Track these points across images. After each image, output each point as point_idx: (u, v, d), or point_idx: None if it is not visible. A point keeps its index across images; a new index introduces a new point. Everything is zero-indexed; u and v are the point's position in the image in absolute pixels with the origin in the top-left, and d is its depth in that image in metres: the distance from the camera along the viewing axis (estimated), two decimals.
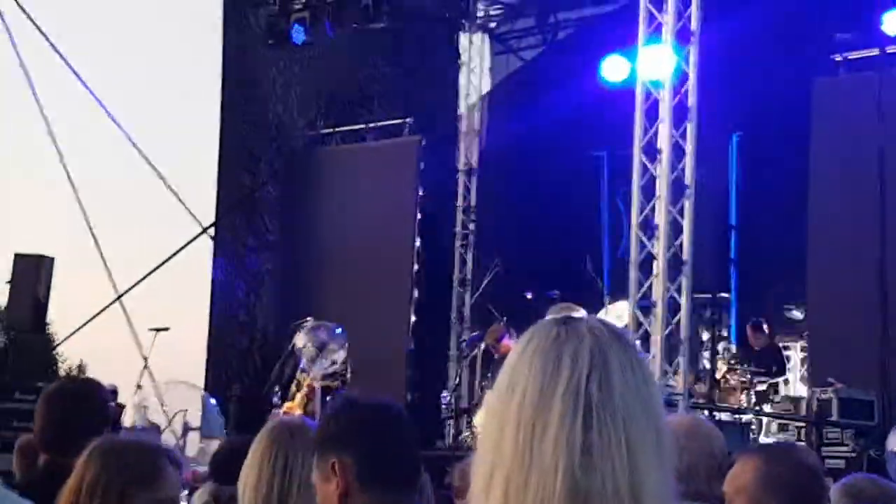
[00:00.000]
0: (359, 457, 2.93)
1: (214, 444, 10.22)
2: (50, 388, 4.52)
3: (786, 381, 14.77)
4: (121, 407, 14.12)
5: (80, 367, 20.22)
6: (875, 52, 13.72)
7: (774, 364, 14.62)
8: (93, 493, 3.11)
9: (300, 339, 12.88)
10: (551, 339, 1.89)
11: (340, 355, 12.79)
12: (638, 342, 11.00)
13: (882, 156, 12.73)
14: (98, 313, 15.82)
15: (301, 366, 13.07)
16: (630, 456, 1.82)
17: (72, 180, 15.43)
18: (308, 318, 13.97)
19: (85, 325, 16.07)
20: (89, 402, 4.46)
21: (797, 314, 15.18)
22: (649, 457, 1.84)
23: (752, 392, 14.02)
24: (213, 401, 11.39)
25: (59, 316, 16.60)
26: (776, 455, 3.64)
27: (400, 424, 3.08)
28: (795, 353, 15.31)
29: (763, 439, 12.63)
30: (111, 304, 15.69)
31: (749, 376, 14.06)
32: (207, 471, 5.09)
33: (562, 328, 1.91)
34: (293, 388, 13.83)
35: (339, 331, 12.97)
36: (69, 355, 19.11)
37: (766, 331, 14.81)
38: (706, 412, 12.15)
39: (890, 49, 13.76)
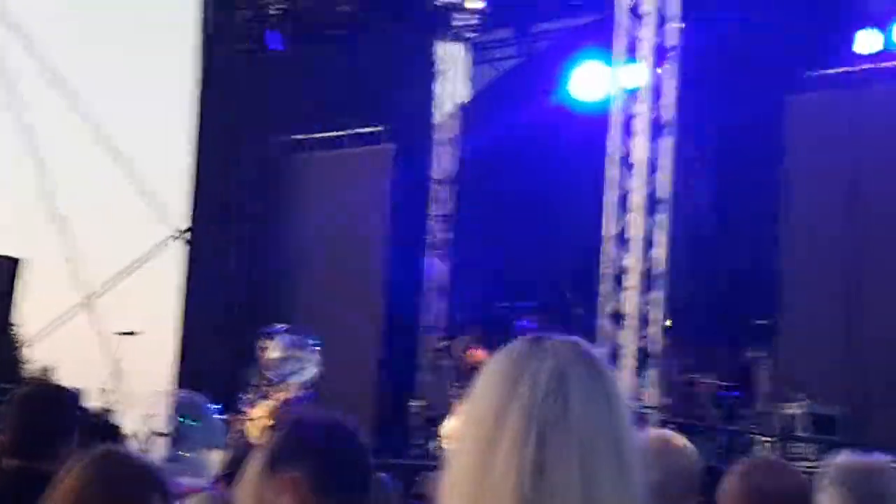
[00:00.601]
0: (311, 471, 2.98)
1: (215, 455, 10.11)
2: (22, 391, 4.46)
3: (751, 397, 14.80)
4: (86, 410, 13.98)
5: (46, 370, 20.07)
6: (848, 69, 13.80)
7: (743, 380, 14.66)
8: None
9: (273, 351, 12.82)
10: (515, 358, 1.89)
11: (313, 367, 12.74)
12: (607, 356, 11.01)
13: (854, 172, 12.79)
14: (66, 316, 15.74)
15: (273, 378, 13.00)
16: (584, 477, 1.81)
17: (44, 182, 15.35)
18: (278, 325, 13.91)
19: (52, 327, 15.98)
20: (63, 407, 4.42)
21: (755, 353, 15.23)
22: (607, 478, 1.82)
23: (720, 407, 14.07)
24: (211, 406, 11.21)
25: (28, 318, 16.49)
26: (768, 471, 3.64)
27: (349, 438, 3.14)
28: (762, 369, 15.34)
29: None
30: (78, 305, 15.61)
31: (717, 391, 14.12)
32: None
33: (528, 346, 1.90)
34: (253, 395, 13.75)
35: (311, 342, 12.92)
36: (36, 357, 18.98)
37: (735, 346, 14.86)
38: (676, 426, 12.16)
39: (862, 66, 13.84)
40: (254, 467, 3.43)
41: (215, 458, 9.88)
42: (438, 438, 13.65)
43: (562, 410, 1.83)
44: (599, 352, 1.94)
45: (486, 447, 1.83)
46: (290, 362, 12.73)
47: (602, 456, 1.82)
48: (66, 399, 4.56)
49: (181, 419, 10.46)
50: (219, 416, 10.85)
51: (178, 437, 10.18)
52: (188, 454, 9.98)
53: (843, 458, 3.74)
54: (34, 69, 15.23)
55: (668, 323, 15.06)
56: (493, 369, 1.90)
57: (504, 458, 1.81)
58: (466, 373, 12.93)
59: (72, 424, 4.34)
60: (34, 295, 16.07)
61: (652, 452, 3.69)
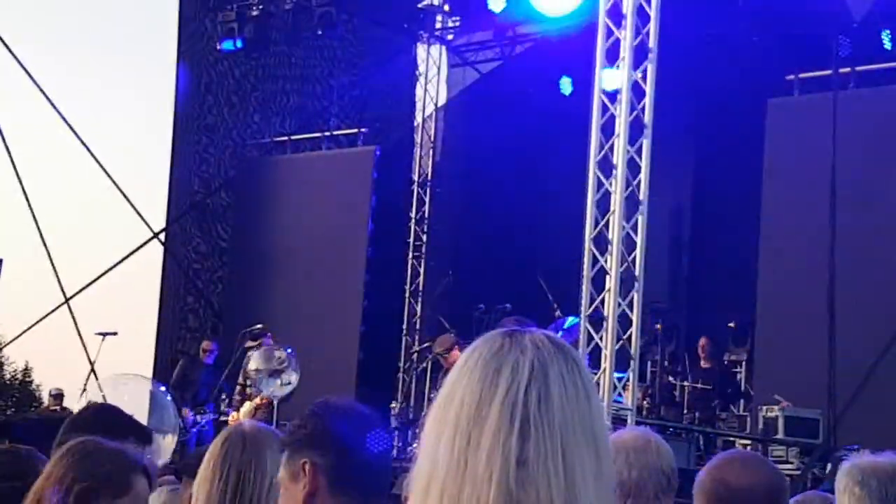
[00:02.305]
0: (331, 460, 2.90)
1: (168, 441, 10.05)
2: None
3: (730, 399, 14.85)
4: (66, 410, 13.93)
5: (26, 370, 20.02)
6: (828, 72, 13.83)
7: (721, 382, 14.71)
8: (57, 490, 3.02)
9: (254, 362, 12.80)
10: (494, 350, 1.88)
11: (294, 378, 12.72)
12: (587, 357, 11.01)
13: (834, 175, 12.82)
14: (45, 316, 15.66)
15: (256, 389, 12.98)
16: (567, 469, 1.81)
17: (21, 182, 15.28)
18: (258, 325, 13.91)
19: (31, 327, 15.90)
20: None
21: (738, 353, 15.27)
22: (587, 471, 1.83)
23: (699, 408, 14.11)
24: (163, 389, 11.11)
25: (7, 318, 16.43)
26: (737, 465, 3.63)
27: (375, 433, 3.04)
28: (741, 371, 15.39)
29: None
30: (58, 307, 15.54)
31: (696, 393, 14.16)
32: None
33: (506, 339, 1.90)
34: (237, 396, 13.75)
35: (290, 351, 12.90)
36: (15, 358, 18.91)
37: (714, 348, 14.90)
38: (655, 428, 12.17)
39: (843, 70, 13.88)
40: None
41: (167, 444, 9.85)
42: (418, 440, 13.64)
43: (544, 403, 1.83)
44: (573, 346, 1.94)
45: (466, 438, 1.82)
46: (273, 378, 12.71)
47: (581, 448, 1.82)
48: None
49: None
50: (169, 400, 10.76)
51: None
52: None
53: (863, 458, 3.71)
54: (9, 71, 15.16)
55: (657, 326, 15.11)
56: (471, 362, 1.89)
57: (487, 449, 1.80)
58: (445, 374, 12.92)
59: None
60: (15, 295, 16.03)
61: (630, 451, 3.70)
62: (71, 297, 15.49)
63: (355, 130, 18.13)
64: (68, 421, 4.16)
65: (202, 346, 15.37)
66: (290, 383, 12.68)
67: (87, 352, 14.98)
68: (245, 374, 13.65)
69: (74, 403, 13.80)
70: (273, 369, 12.71)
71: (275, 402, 12.71)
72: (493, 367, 1.86)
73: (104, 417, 4.27)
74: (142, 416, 10.07)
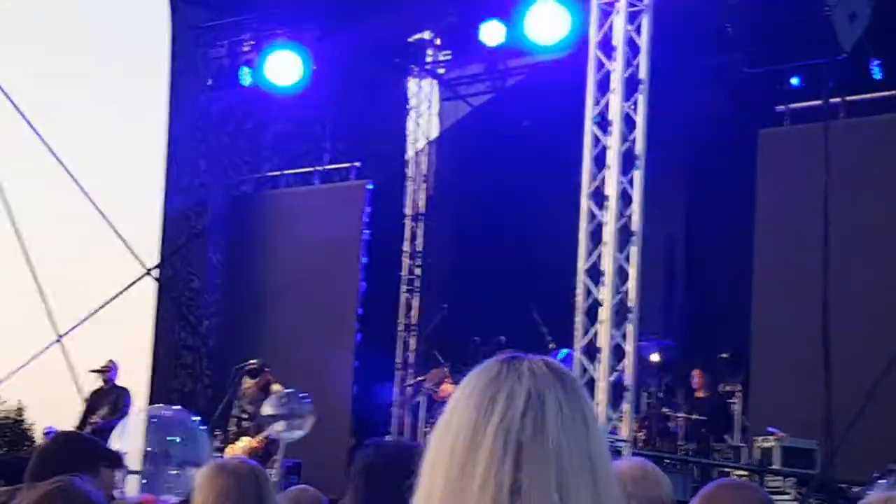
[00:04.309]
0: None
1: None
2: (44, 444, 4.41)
3: (725, 430, 14.81)
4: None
5: (19, 409, 19.91)
6: (819, 102, 13.87)
7: (717, 413, 14.67)
8: None
9: (267, 408, 12.69)
10: (491, 377, 1.87)
11: (309, 423, 12.63)
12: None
13: (827, 205, 12.83)
14: (37, 354, 15.60)
15: (270, 436, 12.87)
16: (562, 496, 1.79)
17: (13, 218, 15.25)
18: (252, 361, 13.86)
19: (24, 366, 15.83)
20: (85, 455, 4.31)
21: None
22: (583, 497, 1.80)
23: (695, 439, 14.08)
24: (196, 421, 10.96)
25: None
26: (728, 493, 3.61)
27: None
28: (737, 401, 15.36)
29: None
30: (51, 345, 15.49)
31: (691, 424, 14.12)
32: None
33: (503, 366, 1.89)
34: (234, 428, 13.69)
35: (306, 399, 12.81)
36: (7, 397, 18.81)
37: (709, 379, 14.88)
38: (651, 460, 12.13)
39: (833, 100, 13.92)
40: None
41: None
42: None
43: (539, 430, 1.81)
44: (572, 372, 1.93)
45: (461, 466, 1.80)
46: (289, 424, 12.64)
47: (578, 475, 1.80)
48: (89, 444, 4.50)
49: (165, 436, 10.31)
50: (203, 431, 10.67)
51: (162, 454, 10.04)
52: (173, 471, 9.85)
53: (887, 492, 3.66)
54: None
55: (656, 358, 15.09)
56: (468, 388, 1.87)
57: (480, 476, 1.78)
58: (438, 408, 12.89)
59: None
60: (4, 333, 15.95)
61: (629, 481, 3.70)
62: (64, 335, 15.45)
63: (348, 165, 18.14)
64: (38, 451, 4.18)
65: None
66: (297, 430, 12.57)
67: (80, 390, 14.93)
68: (242, 408, 13.61)
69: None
70: (285, 414, 12.59)
71: (281, 443, 12.61)
72: (489, 394, 1.84)
73: (72, 448, 4.31)
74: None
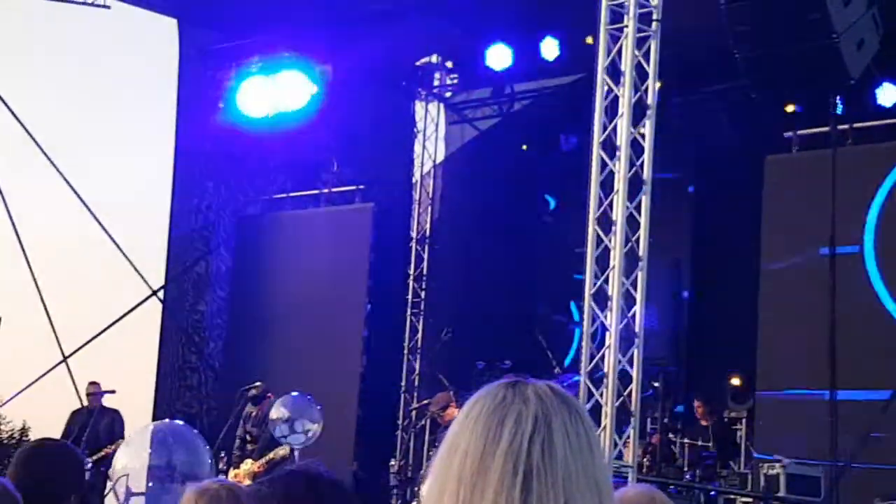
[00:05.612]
0: None
1: None
2: (25, 450, 4.47)
3: (731, 456, 14.77)
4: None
5: (24, 430, 19.88)
6: (826, 129, 13.89)
7: (722, 440, 14.63)
8: None
9: (275, 411, 12.67)
10: (497, 402, 1.87)
11: (317, 427, 12.60)
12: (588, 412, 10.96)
13: (834, 231, 12.84)
14: (43, 375, 15.62)
15: (275, 436, 12.83)
16: None
17: (20, 239, 15.28)
18: (257, 383, 13.83)
19: (29, 386, 15.84)
20: (68, 463, 4.41)
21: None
22: None
23: (699, 466, 14.03)
24: (199, 436, 10.92)
25: (4, 376, 16.36)
26: None
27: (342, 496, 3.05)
28: (742, 427, 15.32)
29: None
30: (57, 365, 15.51)
31: (696, 451, 14.09)
32: None
33: (509, 390, 1.89)
34: (237, 452, 13.65)
35: (314, 402, 12.79)
36: (12, 417, 18.82)
37: (712, 407, 14.85)
38: (656, 486, 12.09)
39: (841, 126, 13.94)
40: None
41: None
42: (420, 498, 13.56)
43: (548, 454, 1.81)
44: (576, 398, 1.93)
45: (469, 491, 1.79)
46: (292, 424, 12.60)
47: (586, 499, 1.80)
48: (74, 455, 4.57)
49: (170, 451, 10.27)
50: (206, 447, 10.64)
51: (167, 469, 10.02)
52: (177, 486, 9.81)
53: None
54: (7, 126, 15.20)
55: (656, 384, 15.05)
56: (474, 413, 1.87)
57: (489, 501, 1.78)
58: (442, 431, 12.86)
59: (79, 480, 4.36)
60: (12, 354, 15.98)
61: None
62: (69, 356, 15.47)
63: (353, 188, 18.15)
64: (21, 453, 4.26)
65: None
66: (307, 434, 12.54)
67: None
68: (246, 430, 13.58)
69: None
70: (296, 418, 12.56)
71: (296, 453, 12.56)
72: (496, 418, 1.84)
73: (55, 449, 4.40)
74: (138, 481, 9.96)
